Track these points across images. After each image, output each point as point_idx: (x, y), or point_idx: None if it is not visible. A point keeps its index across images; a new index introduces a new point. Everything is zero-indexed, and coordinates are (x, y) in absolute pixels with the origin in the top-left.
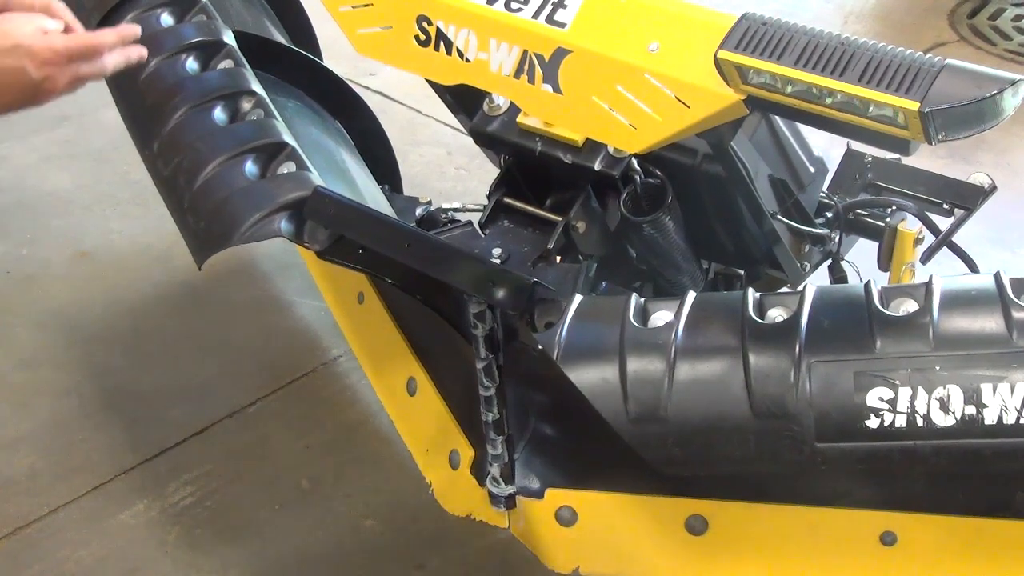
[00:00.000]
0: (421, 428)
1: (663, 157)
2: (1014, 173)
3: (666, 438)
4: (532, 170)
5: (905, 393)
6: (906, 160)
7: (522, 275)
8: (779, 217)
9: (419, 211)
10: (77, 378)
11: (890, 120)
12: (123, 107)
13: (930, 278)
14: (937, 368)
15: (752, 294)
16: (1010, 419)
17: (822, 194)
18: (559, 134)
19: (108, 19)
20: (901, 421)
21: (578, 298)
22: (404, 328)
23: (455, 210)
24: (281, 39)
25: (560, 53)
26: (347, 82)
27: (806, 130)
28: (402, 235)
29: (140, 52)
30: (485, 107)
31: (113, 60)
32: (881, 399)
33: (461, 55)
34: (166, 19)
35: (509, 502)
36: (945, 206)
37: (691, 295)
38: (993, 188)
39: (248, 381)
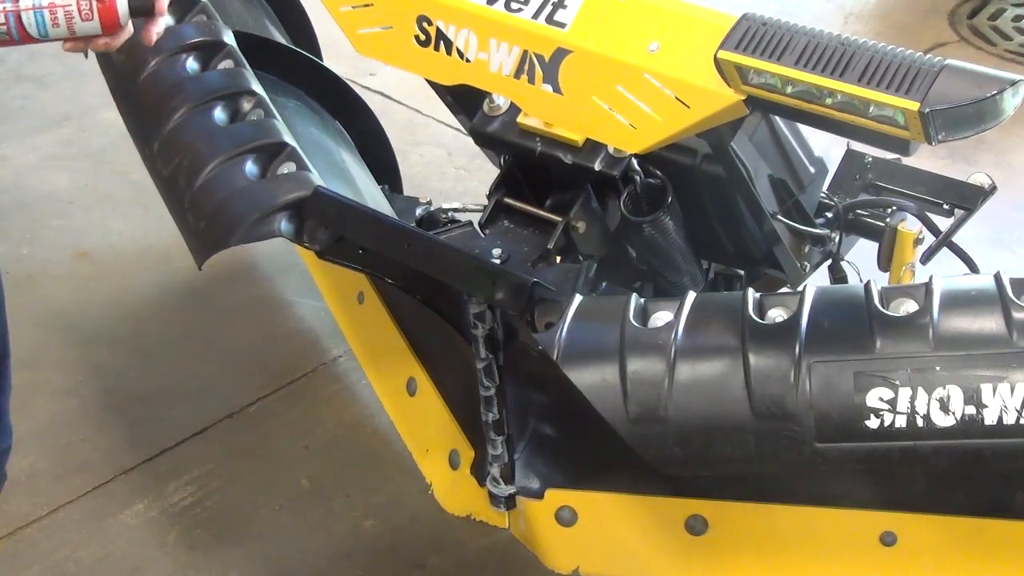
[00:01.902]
0: (421, 428)
1: (663, 157)
2: (1014, 173)
3: (666, 438)
4: (532, 170)
5: (905, 393)
6: (906, 160)
7: (522, 275)
8: (779, 217)
9: (419, 211)
10: (77, 378)
11: (890, 120)
12: (123, 107)
13: (930, 278)
14: (937, 368)
15: (752, 294)
16: (1010, 419)
17: (822, 194)
18: (559, 134)
19: None
20: (901, 421)
21: (578, 298)
22: (404, 328)
23: (455, 210)
24: (281, 39)
25: (560, 53)
26: (347, 82)
27: (806, 130)
28: (402, 235)
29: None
30: (485, 107)
31: None
32: (881, 399)
33: (461, 55)
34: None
35: (509, 502)
36: (945, 206)
37: (691, 295)
38: (993, 188)
39: (248, 381)
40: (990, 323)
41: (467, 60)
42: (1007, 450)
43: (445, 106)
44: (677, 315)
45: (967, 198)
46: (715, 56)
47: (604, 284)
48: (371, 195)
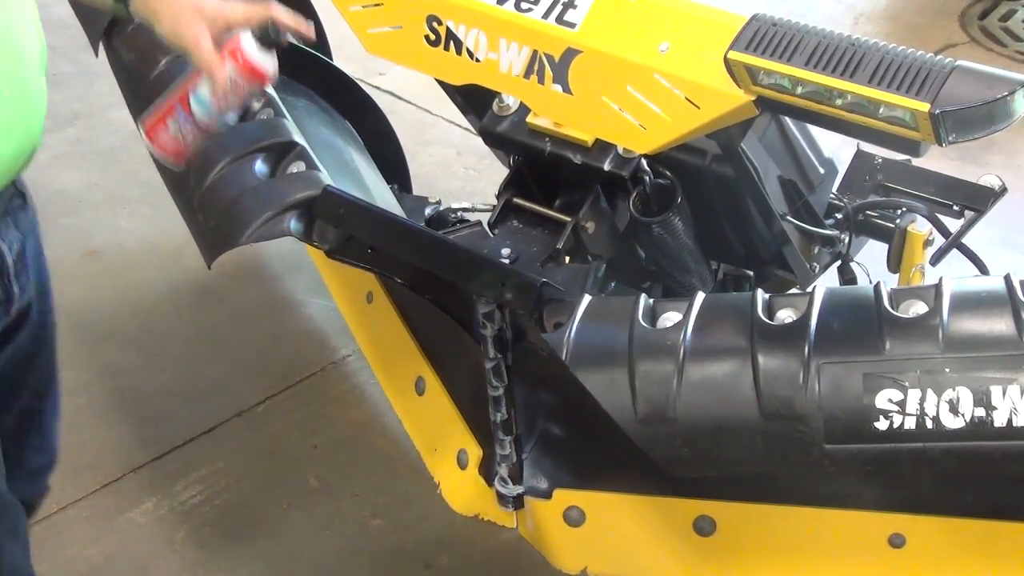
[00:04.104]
0: (429, 427)
1: (673, 158)
2: None
3: (674, 438)
4: (542, 170)
5: (914, 395)
6: (916, 161)
7: (531, 275)
8: (789, 218)
9: (428, 211)
10: (86, 377)
11: (900, 121)
12: (133, 106)
13: (940, 280)
14: (947, 370)
15: (761, 295)
16: (1020, 421)
17: (832, 195)
18: (569, 134)
19: (119, 19)
20: (910, 423)
21: (587, 298)
22: (413, 328)
23: (464, 210)
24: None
25: (570, 53)
26: (357, 82)
27: (816, 131)
28: (411, 235)
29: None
30: (495, 107)
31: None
32: (890, 401)
33: (471, 55)
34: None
35: (517, 502)
36: (955, 208)
37: (700, 296)
38: (1003, 190)
39: (257, 380)
40: (1000, 325)
41: (477, 60)
42: (1016, 452)
43: (455, 106)
44: (686, 316)
45: (977, 200)
46: (725, 57)
47: (613, 284)
48: (380, 195)
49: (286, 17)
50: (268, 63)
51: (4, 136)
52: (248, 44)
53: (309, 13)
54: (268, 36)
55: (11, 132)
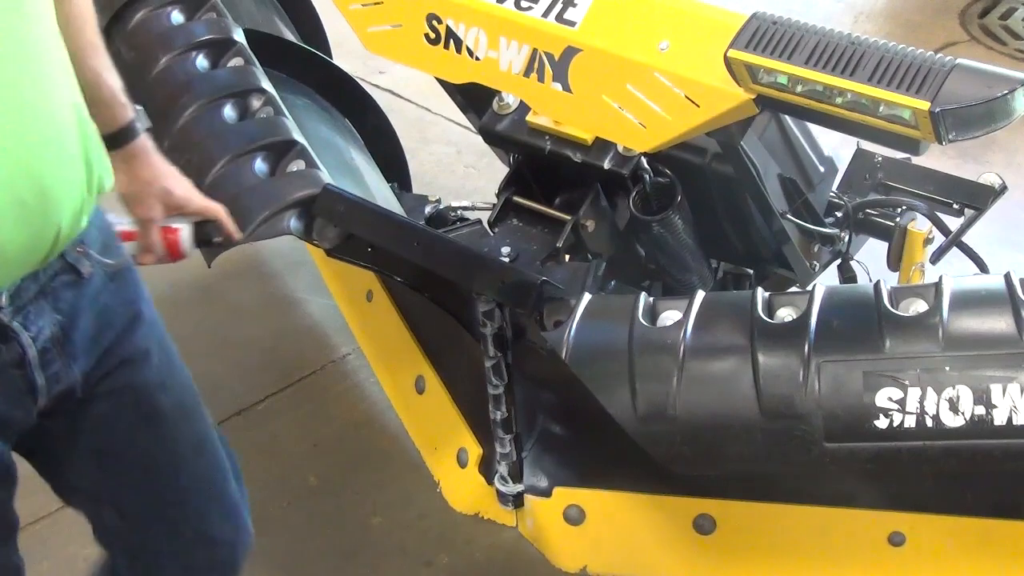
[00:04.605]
0: (429, 426)
1: (672, 156)
2: None
3: (674, 437)
4: (541, 169)
5: (914, 393)
6: (916, 160)
7: (531, 274)
8: (789, 216)
9: (428, 209)
10: None
11: (900, 120)
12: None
13: (940, 278)
14: (947, 368)
15: (761, 294)
16: (1020, 420)
17: (832, 193)
18: (569, 133)
19: (119, 17)
20: (910, 421)
21: (587, 297)
22: (413, 326)
23: (464, 208)
24: (291, 37)
25: (570, 52)
26: (357, 80)
27: (816, 129)
28: (411, 234)
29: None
30: (495, 106)
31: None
32: (890, 399)
33: (471, 53)
34: (176, 17)
35: (517, 500)
36: (955, 206)
37: (700, 294)
38: (1003, 188)
39: (257, 378)
40: (1000, 323)
41: (477, 58)
42: (1016, 450)
43: (454, 104)
44: (686, 314)
45: (977, 198)
46: (725, 55)
47: (613, 283)
48: (380, 193)
49: (228, 223)
50: (189, 250)
51: (13, 226)
52: (186, 235)
53: (308, 11)
54: (204, 231)
55: (28, 220)
